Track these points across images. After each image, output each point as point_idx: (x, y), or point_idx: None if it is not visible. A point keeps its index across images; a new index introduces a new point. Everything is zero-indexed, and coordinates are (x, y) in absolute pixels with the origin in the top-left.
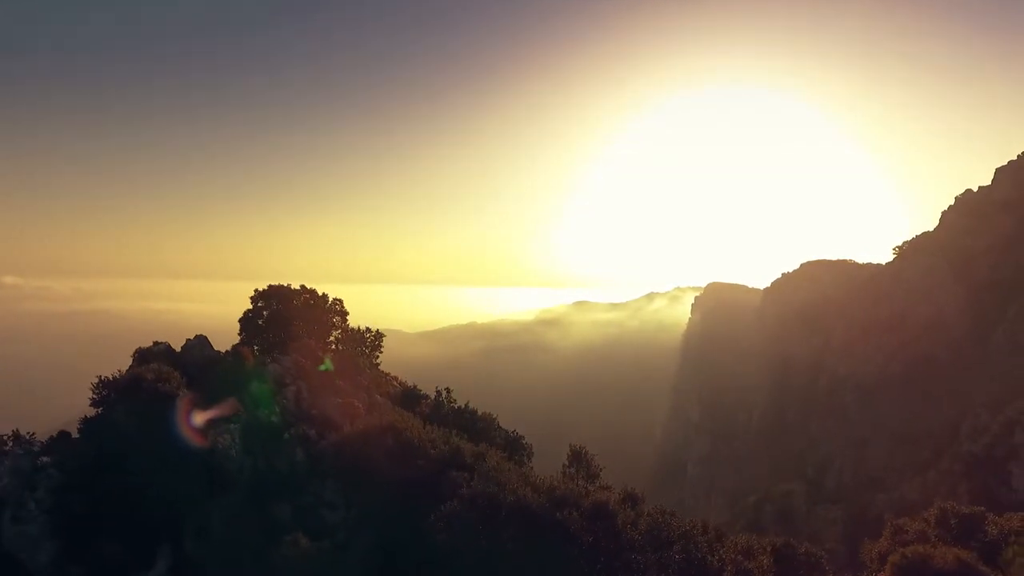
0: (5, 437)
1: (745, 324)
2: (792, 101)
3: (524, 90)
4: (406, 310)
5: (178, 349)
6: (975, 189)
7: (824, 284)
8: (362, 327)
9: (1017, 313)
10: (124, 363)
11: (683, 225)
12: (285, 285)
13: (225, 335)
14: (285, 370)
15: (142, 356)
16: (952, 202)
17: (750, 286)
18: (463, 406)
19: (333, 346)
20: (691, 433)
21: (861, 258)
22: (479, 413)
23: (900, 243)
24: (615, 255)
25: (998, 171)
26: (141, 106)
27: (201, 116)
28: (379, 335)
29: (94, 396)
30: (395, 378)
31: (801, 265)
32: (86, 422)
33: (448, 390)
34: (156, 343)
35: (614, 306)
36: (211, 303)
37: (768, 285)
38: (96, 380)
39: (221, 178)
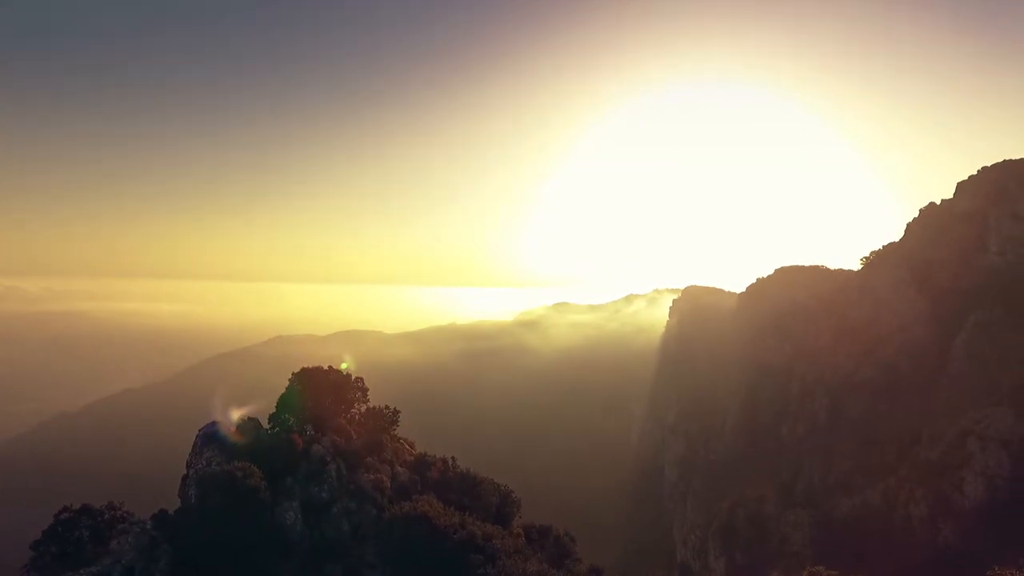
0: (102, 508)
1: (721, 328)
2: (778, 100)
3: (493, 87)
4: (380, 310)
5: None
6: (938, 202)
7: (796, 291)
8: (380, 405)
9: (975, 323)
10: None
11: (663, 224)
12: (316, 367)
13: (201, 337)
14: (326, 450)
15: (205, 438)
16: (917, 214)
17: (727, 289)
18: (465, 471)
19: (357, 418)
20: (668, 436)
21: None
22: (477, 476)
23: (868, 253)
24: (589, 255)
25: (959, 185)
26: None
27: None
28: (395, 412)
29: (197, 490)
30: (410, 444)
31: (775, 271)
32: (191, 510)
33: (454, 459)
34: (213, 423)
35: (593, 308)
36: (184, 303)
37: (743, 290)
38: (193, 474)
39: (193, 176)
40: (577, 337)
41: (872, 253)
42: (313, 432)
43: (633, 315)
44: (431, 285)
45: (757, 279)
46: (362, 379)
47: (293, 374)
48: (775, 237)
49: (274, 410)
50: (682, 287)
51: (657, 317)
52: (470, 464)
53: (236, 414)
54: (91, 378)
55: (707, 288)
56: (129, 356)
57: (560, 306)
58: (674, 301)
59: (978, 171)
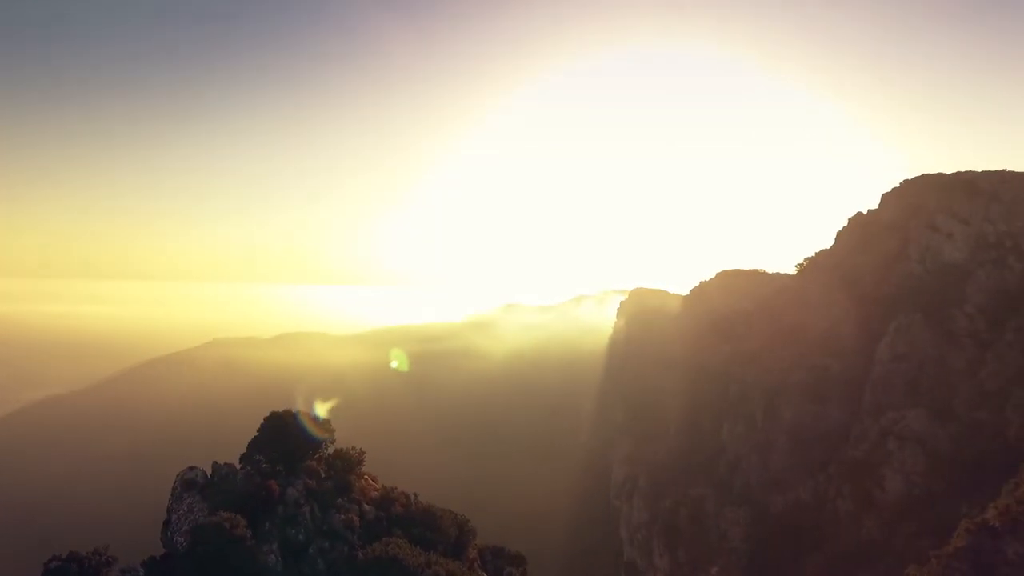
0: (89, 555)
1: (665, 330)
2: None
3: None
4: (320, 310)
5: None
6: (865, 212)
7: (736, 294)
8: (348, 446)
9: (897, 327)
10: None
11: (592, 223)
12: (285, 410)
13: (128, 339)
14: (299, 493)
15: (185, 484)
16: (846, 223)
17: (672, 291)
18: (427, 506)
19: (326, 459)
20: (615, 435)
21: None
22: (437, 511)
23: (803, 260)
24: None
25: (883, 196)
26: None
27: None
28: (361, 452)
29: (187, 538)
30: (372, 479)
31: (717, 274)
32: (182, 557)
33: (416, 495)
34: (192, 468)
35: (543, 309)
36: (108, 304)
37: (687, 293)
38: (176, 520)
39: (108, 174)
40: (527, 338)
41: (806, 259)
42: (285, 474)
43: (581, 317)
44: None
45: (700, 282)
46: (329, 420)
47: (264, 418)
48: (723, 235)
49: (245, 451)
50: (629, 287)
51: (606, 318)
52: (422, 466)
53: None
54: (12, 385)
55: (653, 290)
56: (53, 361)
57: (510, 307)
58: (621, 303)
59: (900, 184)
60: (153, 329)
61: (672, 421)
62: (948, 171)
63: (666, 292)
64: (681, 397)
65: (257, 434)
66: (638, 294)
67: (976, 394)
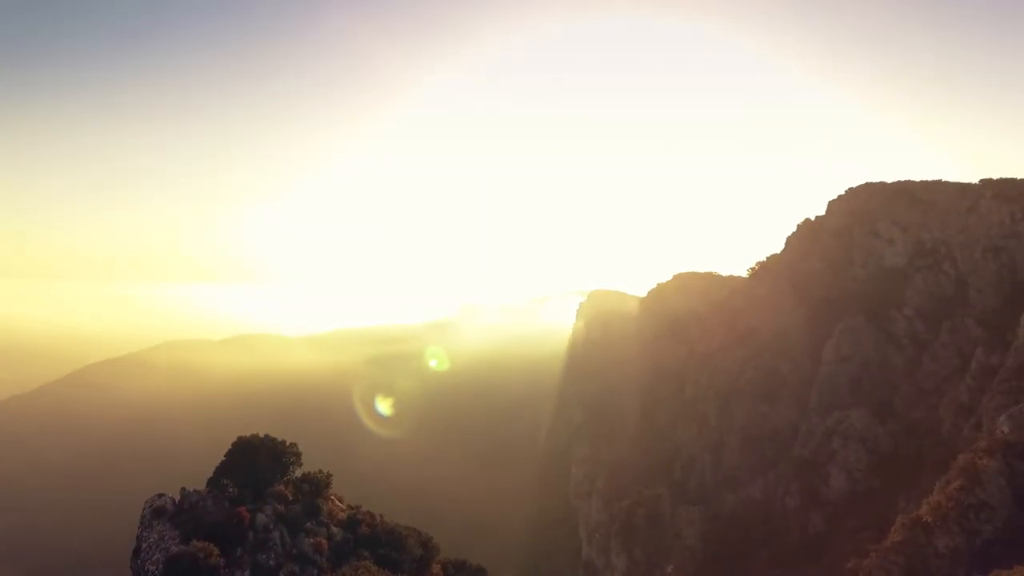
0: None
1: (623, 331)
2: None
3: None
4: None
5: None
6: (813, 218)
7: (691, 297)
8: (315, 469)
9: (842, 330)
10: None
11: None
12: (253, 435)
13: (76, 343)
14: (269, 518)
15: (154, 512)
16: (795, 229)
17: (630, 293)
18: (393, 526)
19: (293, 482)
20: (574, 436)
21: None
22: (402, 531)
23: (754, 263)
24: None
25: (830, 203)
26: None
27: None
28: (328, 475)
29: (160, 568)
30: (339, 499)
31: (673, 276)
32: None
33: (381, 516)
34: (160, 495)
35: (504, 309)
36: (45, 305)
37: (645, 294)
38: (147, 548)
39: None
40: (487, 339)
41: (758, 263)
42: (253, 498)
43: (543, 317)
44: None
45: (657, 284)
46: (295, 444)
47: (232, 443)
48: (682, 235)
49: (212, 474)
50: (588, 288)
51: (566, 319)
52: (384, 469)
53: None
54: None
55: (612, 292)
56: None
57: (470, 308)
58: (580, 304)
59: (845, 191)
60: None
61: (630, 422)
62: (891, 178)
63: (625, 294)
64: (638, 398)
65: (224, 458)
66: (597, 296)
67: (914, 393)
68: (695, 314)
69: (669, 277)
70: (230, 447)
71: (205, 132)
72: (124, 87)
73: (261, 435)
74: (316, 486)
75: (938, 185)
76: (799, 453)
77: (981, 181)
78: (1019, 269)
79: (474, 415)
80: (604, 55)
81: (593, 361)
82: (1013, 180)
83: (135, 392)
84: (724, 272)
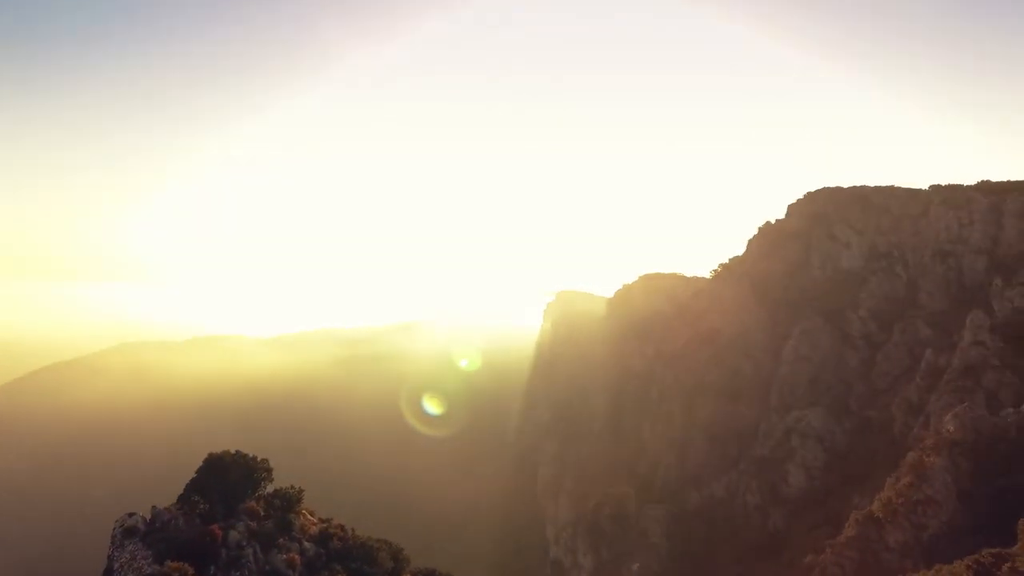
0: None
1: (591, 332)
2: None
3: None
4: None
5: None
6: (773, 221)
7: (657, 297)
8: (287, 485)
9: (801, 331)
10: None
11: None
12: (224, 451)
13: (25, 346)
14: (241, 535)
15: (125, 532)
16: (756, 231)
17: (597, 294)
18: (364, 540)
19: (265, 498)
20: (542, 436)
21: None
22: (374, 544)
23: (717, 265)
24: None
25: (789, 207)
26: None
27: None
28: (300, 491)
29: None
30: (310, 513)
31: (639, 277)
32: None
33: (353, 529)
34: (131, 515)
35: (471, 309)
36: None
37: (611, 295)
38: (119, 568)
39: None
40: (454, 340)
41: (720, 265)
42: (225, 515)
43: (510, 318)
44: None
45: (623, 285)
46: (267, 460)
47: (204, 460)
48: (649, 235)
49: (183, 491)
50: (557, 290)
51: (534, 320)
52: (353, 471)
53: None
54: None
55: (579, 293)
56: None
57: (439, 308)
58: (547, 305)
59: (804, 195)
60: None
61: (597, 421)
62: (857, 178)
63: (591, 294)
64: (605, 398)
65: (195, 475)
66: (565, 296)
67: (868, 392)
68: (661, 315)
69: (635, 278)
70: (201, 464)
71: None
72: None
73: (232, 451)
74: (288, 501)
75: (891, 191)
76: (760, 452)
77: (931, 187)
78: (965, 273)
79: (443, 414)
80: (564, 48)
81: (560, 361)
82: (960, 187)
83: (88, 398)
84: (689, 273)
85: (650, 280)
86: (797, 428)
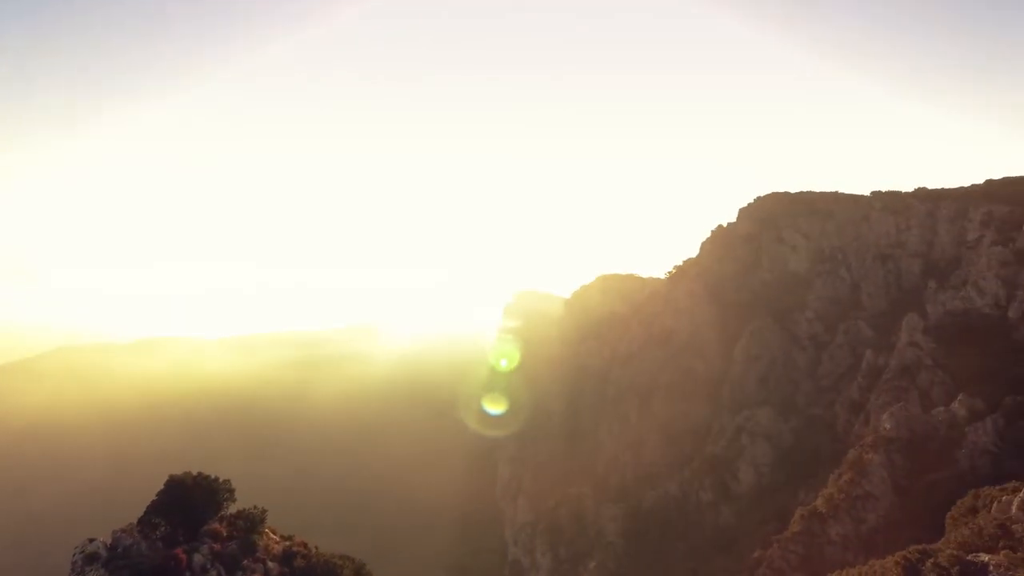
0: None
1: (548, 332)
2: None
3: None
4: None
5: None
6: (725, 224)
7: (613, 298)
8: (250, 506)
9: (752, 331)
10: None
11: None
12: (186, 472)
13: None
14: (205, 558)
15: (86, 559)
16: (708, 235)
17: (556, 294)
18: (328, 557)
19: (228, 519)
20: (501, 436)
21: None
22: (337, 562)
23: (672, 267)
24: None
25: (740, 210)
26: None
27: None
28: (263, 511)
29: None
30: (273, 532)
31: (596, 278)
32: None
33: (316, 547)
34: (92, 540)
35: (428, 310)
36: None
37: (569, 296)
38: None
39: None
40: (414, 340)
41: (675, 267)
42: (187, 539)
43: (469, 318)
44: None
45: (580, 286)
46: (229, 480)
47: (165, 483)
48: (606, 235)
49: (143, 514)
50: (515, 288)
51: (493, 320)
52: (305, 474)
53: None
54: None
55: (538, 293)
56: None
57: (397, 310)
58: (507, 305)
59: (754, 199)
60: None
61: (555, 421)
62: (796, 186)
63: (550, 295)
64: (562, 398)
65: (156, 497)
66: (524, 297)
67: (814, 391)
68: (617, 316)
69: (592, 279)
70: (163, 487)
71: None
72: None
73: (194, 473)
74: (251, 522)
75: (834, 196)
76: (712, 450)
77: (872, 193)
78: (904, 275)
79: (401, 415)
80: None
81: (519, 361)
82: (899, 193)
83: (28, 403)
84: (646, 274)
85: (607, 281)
86: (747, 427)
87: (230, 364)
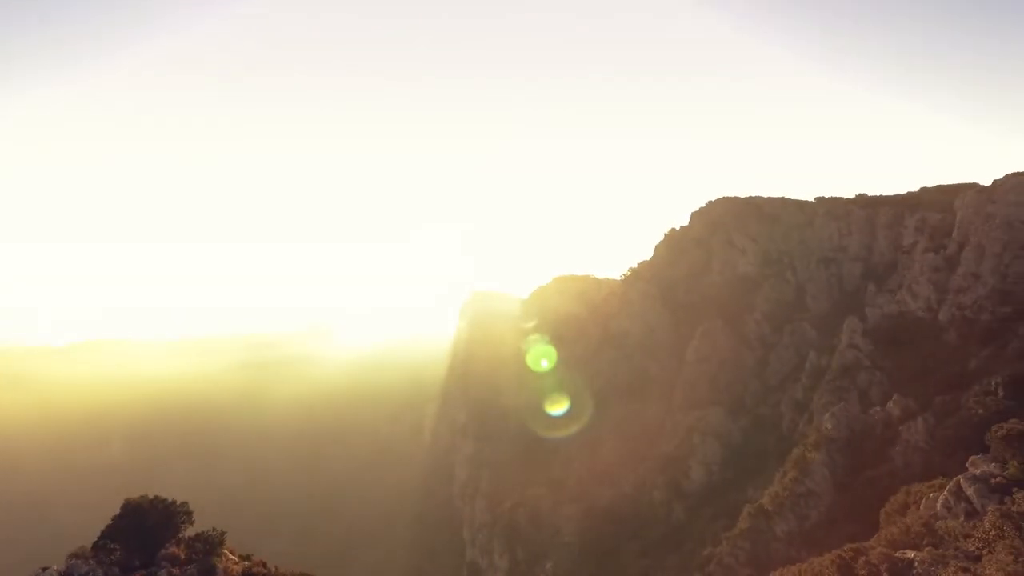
0: None
1: (505, 333)
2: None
3: None
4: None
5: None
6: (677, 228)
7: (569, 299)
8: (208, 528)
9: (703, 332)
10: None
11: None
12: (141, 496)
13: None
14: None
15: None
16: (662, 237)
17: (512, 294)
18: (288, 573)
19: (186, 542)
20: (458, 437)
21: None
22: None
23: (627, 269)
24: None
25: (692, 214)
26: None
27: None
28: (223, 533)
29: None
30: (231, 552)
31: (553, 279)
32: None
33: (276, 567)
34: (44, 569)
35: (384, 311)
36: None
37: (526, 296)
38: None
39: None
40: (370, 342)
41: (630, 269)
42: (144, 564)
43: (425, 319)
44: None
45: (537, 287)
46: (187, 503)
47: (120, 507)
48: (564, 234)
49: (98, 538)
50: (473, 290)
51: (449, 321)
52: (256, 479)
53: (558, 407)
54: None
55: (494, 293)
56: None
57: (352, 309)
58: (463, 305)
59: (705, 204)
60: None
61: (512, 421)
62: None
63: (506, 295)
64: (520, 398)
65: (111, 522)
66: (479, 297)
67: (761, 390)
68: (573, 316)
69: (549, 279)
70: (118, 511)
71: None
72: None
73: (150, 496)
74: (210, 544)
75: (781, 201)
76: (665, 449)
77: (816, 199)
78: (846, 279)
79: (357, 417)
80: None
81: (476, 362)
82: (841, 199)
83: None
84: (601, 275)
85: (563, 282)
86: (698, 426)
87: (176, 368)
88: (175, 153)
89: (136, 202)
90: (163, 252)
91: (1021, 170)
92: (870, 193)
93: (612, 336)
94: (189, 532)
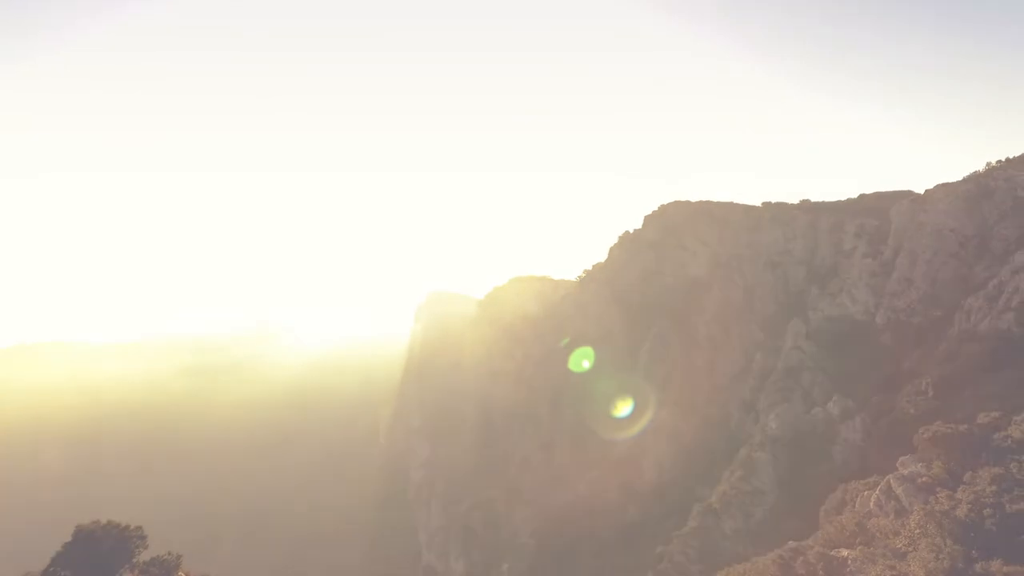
0: None
1: (461, 334)
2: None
3: None
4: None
5: None
6: (631, 231)
7: (526, 300)
8: (163, 552)
9: (656, 333)
10: None
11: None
12: (93, 522)
13: None
14: None
15: None
16: (616, 240)
17: (468, 295)
18: None
19: (142, 567)
20: (413, 439)
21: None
22: None
23: (582, 271)
24: None
25: (645, 217)
26: None
27: None
28: (178, 556)
29: None
30: (189, 574)
31: (509, 280)
32: None
33: None
34: None
35: (338, 312)
36: None
37: (482, 297)
38: None
39: None
40: (322, 344)
41: (585, 271)
42: None
43: (379, 320)
44: None
45: (493, 288)
46: (141, 527)
47: (72, 534)
48: (521, 235)
49: (48, 566)
50: (428, 291)
51: (404, 322)
52: (207, 487)
53: (620, 408)
54: None
55: (449, 294)
56: None
57: (303, 312)
58: (418, 307)
59: (658, 207)
60: None
61: (468, 423)
62: (700, 196)
63: (462, 295)
64: (476, 399)
65: (62, 548)
66: (435, 298)
67: (711, 390)
68: (530, 317)
69: (506, 280)
70: (70, 538)
71: None
72: None
73: (103, 521)
74: (166, 568)
75: (730, 206)
76: (618, 451)
77: (763, 204)
78: (791, 281)
79: (310, 420)
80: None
81: (432, 363)
82: (786, 204)
83: None
84: (558, 276)
85: (520, 283)
86: (651, 428)
87: (116, 372)
88: (119, 142)
89: (74, 199)
90: (103, 251)
91: (952, 180)
92: (813, 199)
93: (568, 337)
94: (144, 556)
